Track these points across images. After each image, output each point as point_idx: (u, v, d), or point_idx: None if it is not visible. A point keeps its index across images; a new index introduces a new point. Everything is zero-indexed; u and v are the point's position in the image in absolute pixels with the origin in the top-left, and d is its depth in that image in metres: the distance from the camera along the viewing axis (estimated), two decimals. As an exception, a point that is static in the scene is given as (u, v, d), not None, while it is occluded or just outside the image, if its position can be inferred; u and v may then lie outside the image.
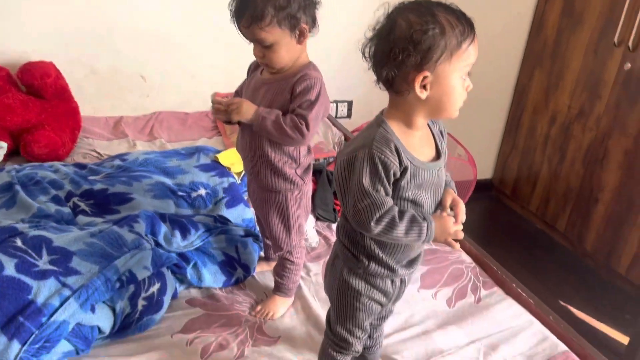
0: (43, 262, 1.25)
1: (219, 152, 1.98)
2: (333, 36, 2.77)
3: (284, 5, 1.21)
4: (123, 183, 1.78)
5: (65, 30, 2.30)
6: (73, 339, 1.23)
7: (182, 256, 1.52)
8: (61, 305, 1.20)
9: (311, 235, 1.81)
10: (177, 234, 1.52)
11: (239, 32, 1.26)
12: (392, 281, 1.12)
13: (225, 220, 1.66)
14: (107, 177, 1.83)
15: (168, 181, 1.82)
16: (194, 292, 1.55)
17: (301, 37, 1.27)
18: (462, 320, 1.51)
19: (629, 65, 2.53)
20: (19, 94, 2.20)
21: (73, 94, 2.35)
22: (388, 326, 1.47)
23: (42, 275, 1.22)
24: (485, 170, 3.50)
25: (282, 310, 1.50)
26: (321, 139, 2.46)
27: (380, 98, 3.44)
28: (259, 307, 1.50)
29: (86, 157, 2.22)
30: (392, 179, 0.97)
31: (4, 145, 2.04)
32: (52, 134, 2.11)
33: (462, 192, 2.65)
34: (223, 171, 1.89)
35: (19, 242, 1.27)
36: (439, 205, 1.08)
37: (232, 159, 1.98)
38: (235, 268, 1.59)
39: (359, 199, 0.96)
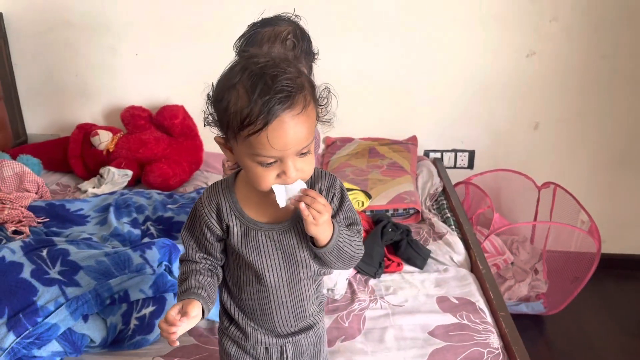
0: (53, 272, 1.48)
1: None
2: (450, 82, 2.63)
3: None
4: (187, 213, 1.97)
5: (196, 79, 2.66)
6: (62, 341, 1.41)
7: (194, 286, 1.62)
8: (55, 310, 1.41)
9: (340, 285, 1.73)
10: (191, 265, 1.63)
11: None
12: (267, 350, 1.05)
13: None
14: (180, 207, 2.06)
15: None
16: (201, 323, 1.63)
17: None
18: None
19: None
20: (155, 132, 2.62)
21: (202, 134, 2.70)
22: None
23: (50, 282, 1.45)
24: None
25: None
26: (412, 188, 2.30)
27: (508, 149, 3.20)
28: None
29: (196, 188, 2.51)
30: (211, 233, 0.95)
31: (129, 172, 2.45)
32: (166, 166, 2.46)
33: (583, 269, 2.19)
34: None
35: (44, 252, 1.53)
36: None
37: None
38: (241, 306, 1.62)
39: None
